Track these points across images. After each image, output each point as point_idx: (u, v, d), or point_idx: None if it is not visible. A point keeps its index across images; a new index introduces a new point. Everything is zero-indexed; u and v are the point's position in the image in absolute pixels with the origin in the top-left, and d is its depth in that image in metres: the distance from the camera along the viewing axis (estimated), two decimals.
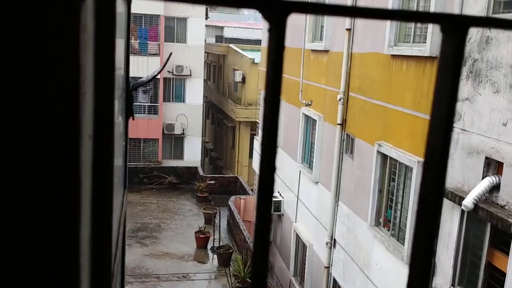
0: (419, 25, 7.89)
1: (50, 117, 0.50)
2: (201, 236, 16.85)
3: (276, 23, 0.43)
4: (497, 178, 5.87)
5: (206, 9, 26.26)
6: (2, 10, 0.46)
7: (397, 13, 0.44)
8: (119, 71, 1.36)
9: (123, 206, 1.46)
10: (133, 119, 1.66)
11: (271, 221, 0.52)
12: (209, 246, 16.85)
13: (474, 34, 6.32)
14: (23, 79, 0.49)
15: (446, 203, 6.74)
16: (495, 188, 5.89)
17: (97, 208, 0.71)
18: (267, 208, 0.50)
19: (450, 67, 0.44)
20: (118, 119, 1.24)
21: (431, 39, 7.13)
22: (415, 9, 8.00)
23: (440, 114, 0.43)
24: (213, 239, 16.69)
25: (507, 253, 5.74)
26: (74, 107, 0.49)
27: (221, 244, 16.44)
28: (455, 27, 0.43)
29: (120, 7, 1.34)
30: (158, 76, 23.45)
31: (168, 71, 24.50)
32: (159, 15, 24.23)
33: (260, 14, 0.45)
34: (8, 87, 0.48)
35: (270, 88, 0.49)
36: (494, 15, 6.12)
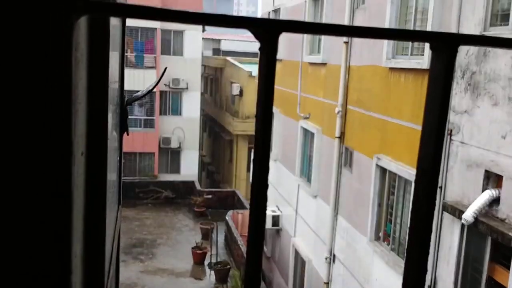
0: None
1: (41, 134, 0.50)
2: (198, 251, 16.70)
3: (267, 42, 0.43)
4: (497, 191, 5.86)
5: None
6: None
7: (387, 32, 0.45)
8: (114, 85, 1.36)
9: (117, 222, 1.45)
10: (127, 134, 1.66)
11: (264, 234, 0.51)
12: (206, 262, 16.69)
13: (472, 46, 6.36)
14: (14, 96, 0.49)
15: (446, 217, 6.72)
16: (495, 201, 5.87)
17: (90, 224, 0.70)
18: (260, 224, 0.50)
19: (440, 84, 0.44)
20: (112, 134, 1.23)
21: (429, 52, 7.18)
22: (413, 20, 8.07)
23: (430, 131, 0.43)
24: (210, 255, 16.53)
25: (508, 268, 5.70)
26: (66, 125, 0.49)
27: (218, 260, 16.28)
28: (444, 45, 0.43)
29: (115, 21, 1.35)
30: (154, 90, 23.49)
31: (164, 84, 24.54)
32: (156, 28, 24.35)
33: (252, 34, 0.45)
34: None
35: (262, 105, 0.49)
36: (491, 27, 6.17)
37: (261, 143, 0.48)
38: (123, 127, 1.58)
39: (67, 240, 0.55)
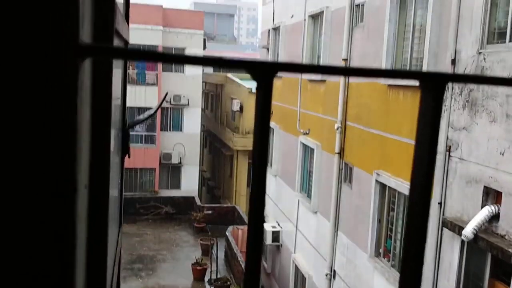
0: (414, 55, 8.02)
1: (45, 170, 0.51)
2: (198, 268, 16.59)
3: (263, 81, 0.45)
4: (496, 207, 5.85)
5: (204, 39, 26.68)
6: (2, 64, 0.48)
7: (380, 72, 0.47)
8: (116, 101, 1.38)
9: (118, 244, 1.45)
10: (129, 157, 1.68)
11: (262, 250, 0.52)
12: (206, 278, 16.57)
13: (469, 63, 6.42)
14: (20, 135, 0.50)
15: (446, 233, 6.70)
16: (495, 217, 5.87)
17: (92, 255, 0.71)
18: (258, 240, 0.51)
19: (429, 119, 0.46)
20: (114, 159, 1.25)
21: (427, 69, 7.24)
22: (410, 38, 8.13)
23: (421, 162, 0.44)
24: (211, 271, 16.42)
25: (509, 284, 5.67)
26: (70, 162, 0.51)
27: (218, 276, 16.17)
28: (433, 83, 0.45)
29: (117, 41, 1.37)
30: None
31: (166, 101, 24.67)
32: (157, 46, 24.57)
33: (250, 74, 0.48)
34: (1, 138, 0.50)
35: (258, 136, 0.51)
36: (488, 45, 6.23)
37: (258, 175, 0.50)
38: (124, 150, 1.60)
39: (69, 275, 0.56)
